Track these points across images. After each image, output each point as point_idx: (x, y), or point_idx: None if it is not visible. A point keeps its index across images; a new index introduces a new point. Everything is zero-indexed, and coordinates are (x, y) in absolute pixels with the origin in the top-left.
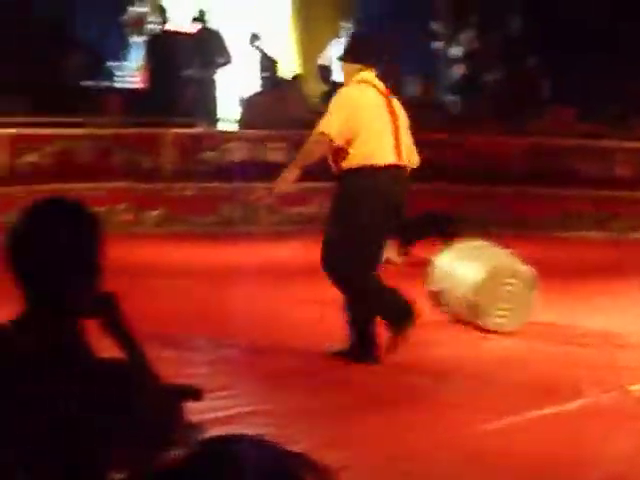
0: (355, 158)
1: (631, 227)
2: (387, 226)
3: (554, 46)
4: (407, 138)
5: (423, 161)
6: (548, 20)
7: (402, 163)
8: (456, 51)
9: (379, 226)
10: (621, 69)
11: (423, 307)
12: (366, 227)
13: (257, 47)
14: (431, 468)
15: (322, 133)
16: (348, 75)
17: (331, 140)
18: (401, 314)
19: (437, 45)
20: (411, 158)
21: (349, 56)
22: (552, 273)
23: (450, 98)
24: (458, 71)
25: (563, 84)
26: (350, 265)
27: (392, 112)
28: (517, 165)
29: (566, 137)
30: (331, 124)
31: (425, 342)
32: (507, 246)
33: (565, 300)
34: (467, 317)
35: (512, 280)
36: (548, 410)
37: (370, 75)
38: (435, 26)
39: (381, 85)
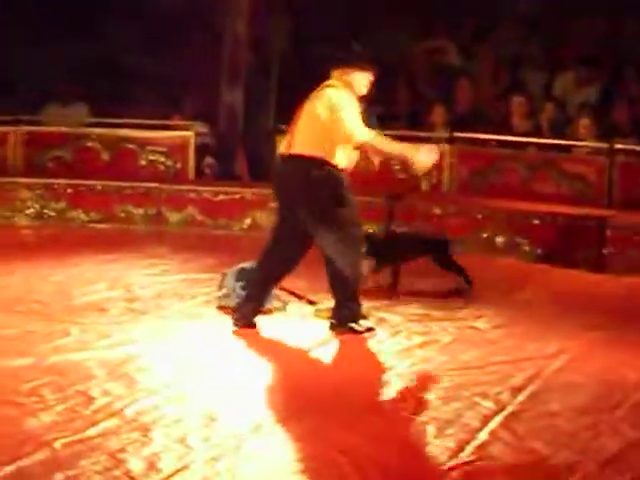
0: None
1: None
2: (283, 212)
3: None
4: (306, 129)
5: None
6: None
7: (287, 152)
8: None
9: (277, 209)
10: None
11: None
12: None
13: None
14: None
15: None
16: None
17: None
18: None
19: None
20: (305, 147)
21: None
22: None
23: None
24: None
25: None
26: None
27: (304, 105)
28: None
29: None
30: None
31: None
32: None
33: None
34: None
35: None
36: None
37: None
38: None
39: (327, 82)
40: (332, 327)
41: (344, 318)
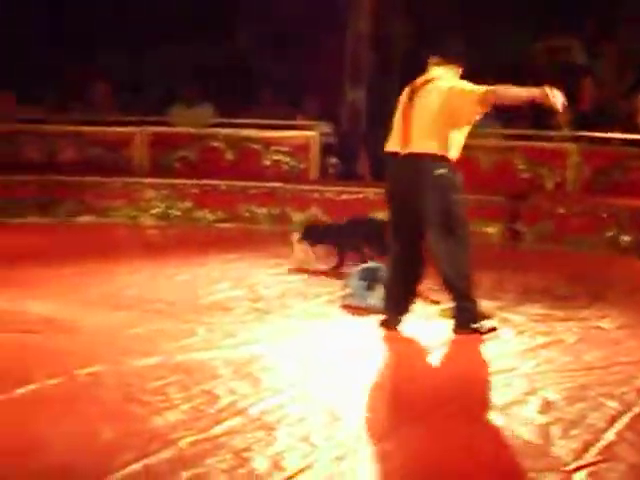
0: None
1: (74, 212)
2: (398, 213)
3: None
4: (423, 124)
5: None
6: None
7: (405, 150)
8: None
9: (390, 211)
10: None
11: None
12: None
13: None
14: None
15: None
16: None
17: None
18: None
19: None
20: (425, 144)
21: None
22: None
23: None
24: None
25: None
26: None
27: (409, 101)
28: None
29: (6, 122)
30: None
31: None
32: None
33: (10, 286)
34: None
35: None
36: None
37: (431, 70)
38: None
39: (429, 75)
40: (455, 327)
41: (464, 319)
